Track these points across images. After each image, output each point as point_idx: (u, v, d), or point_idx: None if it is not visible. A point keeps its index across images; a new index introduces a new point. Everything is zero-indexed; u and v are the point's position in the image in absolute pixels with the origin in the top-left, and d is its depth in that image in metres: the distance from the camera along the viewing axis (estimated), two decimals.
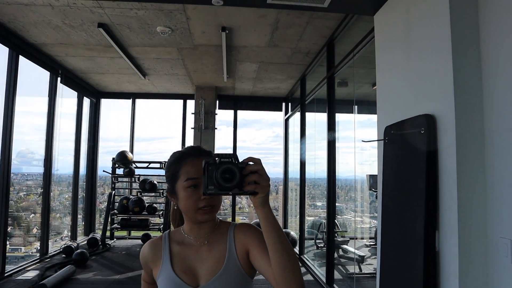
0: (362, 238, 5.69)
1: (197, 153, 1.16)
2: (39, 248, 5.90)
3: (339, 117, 4.79)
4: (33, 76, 5.92)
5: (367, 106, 4.68)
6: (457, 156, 1.74)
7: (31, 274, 4.86)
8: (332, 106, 4.69)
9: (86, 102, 7.69)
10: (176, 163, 1.16)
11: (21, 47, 4.92)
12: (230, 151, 8.00)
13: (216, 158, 0.94)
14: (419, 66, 2.13)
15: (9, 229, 5.83)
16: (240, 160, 0.96)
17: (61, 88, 6.26)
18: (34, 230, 6.38)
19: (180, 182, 1.13)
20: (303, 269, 5.62)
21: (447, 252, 1.79)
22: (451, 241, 1.76)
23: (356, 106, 4.47)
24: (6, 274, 4.70)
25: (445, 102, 1.83)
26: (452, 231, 1.75)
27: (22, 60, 5.01)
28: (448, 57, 1.82)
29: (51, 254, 5.94)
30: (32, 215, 6.54)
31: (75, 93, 7.18)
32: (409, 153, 2.09)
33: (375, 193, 4.65)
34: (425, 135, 1.92)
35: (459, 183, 1.73)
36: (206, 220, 1.14)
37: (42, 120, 5.98)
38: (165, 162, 7.49)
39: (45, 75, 5.92)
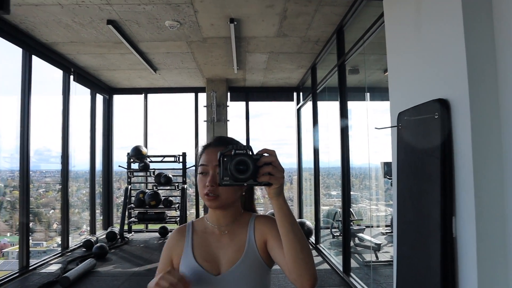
0: (378, 226, 5.67)
1: (216, 143, 1.22)
2: (60, 242, 6.05)
3: (351, 104, 4.75)
4: (46, 75, 6.01)
5: (379, 92, 4.63)
6: (473, 140, 1.71)
7: (54, 268, 5.00)
8: (344, 94, 4.65)
9: (99, 98, 7.78)
10: (200, 152, 1.23)
11: (34, 47, 4.99)
12: (244, 143, 8.02)
13: (232, 150, 0.95)
14: (431, 50, 2.09)
15: (30, 225, 6.00)
16: (255, 151, 0.97)
17: (74, 85, 6.34)
18: (54, 225, 6.54)
19: (198, 168, 1.20)
20: (319, 258, 5.64)
21: (464, 237, 1.77)
22: (468, 226, 1.74)
23: (368, 93, 4.43)
24: (30, 268, 4.84)
25: (459, 86, 1.80)
26: (469, 216, 1.73)
27: (35, 59, 5.09)
28: (460, 39, 1.78)
29: (71, 248, 6.09)
30: (52, 211, 6.70)
31: (88, 90, 7.26)
32: (423, 139, 2.06)
33: (390, 180, 4.62)
34: (439, 120, 1.89)
35: (475, 167, 1.70)
36: (210, 207, 1.18)
37: (57, 118, 6.09)
38: (179, 155, 7.56)
39: (58, 73, 6.01)
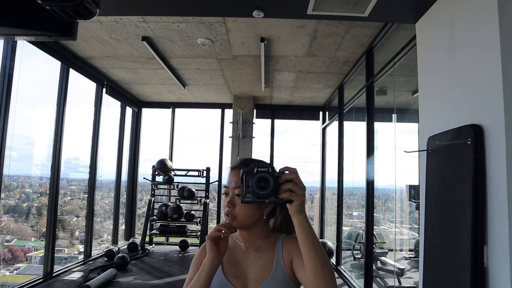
0: (401, 250, 5.52)
1: (240, 165, 1.24)
2: (82, 250, 6.16)
3: (378, 125, 4.72)
4: (81, 87, 6.25)
5: (407, 114, 4.58)
6: (508, 167, 1.68)
7: (76, 276, 5.08)
8: (371, 114, 4.63)
9: (129, 111, 8.00)
10: (228, 173, 1.26)
11: (72, 60, 5.23)
12: (267, 160, 8.02)
13: (255, 168, 0.99)
14: (465, 73, 2.07)
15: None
16: (278, 169, 1.01)
17: (106, 98, 6.56)
18: (77, 233, 6.68)
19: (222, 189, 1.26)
20: (340, 281, 5.53)
21: (496, 268, 1.72)
22: (501, 256, 1.69)
23: (395, 115, 4.39)
24: (54, 274, 4.95)
25: (494, 111, 1.78)
26: (502, 246, 1.68)
27: (72, 72, 5.32)
28: (497, 63, 1.76)
29: (93, 257, 6.19)
30: (75, 218, 6.86)
31: (118, 103, 7.49)
32: (455, 164, 2.03)
33: (415, 203, 4.53)
34: (472, 146, 1.87)
35: (509, 195, 1.66)
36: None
37: (88, 128, 6.29)
38: (203, 170, 7.64)
39: (91, 86, 6.25)
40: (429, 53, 2.59)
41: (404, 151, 2.74)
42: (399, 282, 4.60)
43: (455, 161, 2.03)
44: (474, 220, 1.81)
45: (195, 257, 1.28)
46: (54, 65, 5.03)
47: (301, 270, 1.10)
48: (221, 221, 8.11)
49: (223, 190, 1.22)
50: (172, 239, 8.05)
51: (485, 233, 1.80)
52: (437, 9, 2.45)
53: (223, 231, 1.12)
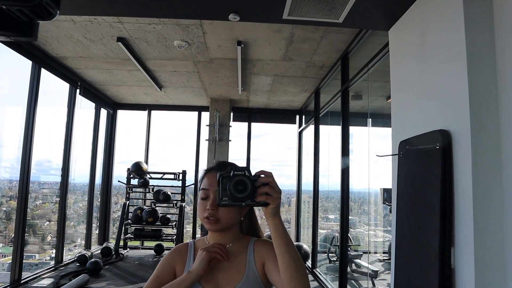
0: (375, 253, 5.62)
1: (217, 167, 1.23)
2: (53, 256, 5.99)
3: (353, 129, 4.80)
4: (53, 88, 6.09)
5: (382, 119, 4.68)
6: (473, 172, 1.74)
7: (46, 282, 4.92)
8: (346, 119, 4.71)
9: (103, 113, 7.85)
10: (202, 176, 1.26)
11: (44, 60, 5.08)
12: (244, 163, 8.04)
13: (231, 172, 0.99)
14: (434, 81, 2.14)
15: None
16: (253, 173, 1.01)
17: (80, 99, 6.42)
18: (49, 238, 6.49)
19: (199, 192, 1.23)
20: (315, 283, 5.57)
21: (463, 269, 1.78)
22: (467, 258, 1.74)
23: (370, 119, 4.48)
24: (22, 281, 4.78)
25: (461, 117, 1.84)
26: (468, 248, 1.73)
27: (44, 72, 5.17)
28: (463, 71, 1.83)
29: (65, 262, 6.02)
30: (47, 223, 6.66)
31: (92, 104, 7.33)
32: (424, 168, 2.09)
33: (389, 207, 4.62)
34: (440, 151, 1.93)
35: (475, 199, 1.72)
36: (210, 230, 1.22)
37: (61, 130, 6.13)
38: (179, 173, 7.57)
39: (65, 87, 6.09)
40: (401, 60, 2.65)
41: (377, 155, 2.80)
42: (373, 284, 4.68)
43: (425, 165, 2.08)
44: (442, 223, 1.87)
45: (166, 257, 1.27)
46: (25, 64, 4.89)
47: (274, 273, 1.11)
48: (197, 225, 8.06)
49: (201, 193, 1.20)
50: (147, 243, 7.93)
51: (452, 236, 1.86)
52: (408, 17, 2.52)
53: (220, 254, 1.15)
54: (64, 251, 6.15)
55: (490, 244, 1.70)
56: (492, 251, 1.69)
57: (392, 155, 2.61)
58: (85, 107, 6.89)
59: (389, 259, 4.96)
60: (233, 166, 1.04)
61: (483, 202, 1.72)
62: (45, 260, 6.24)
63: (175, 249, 1.28)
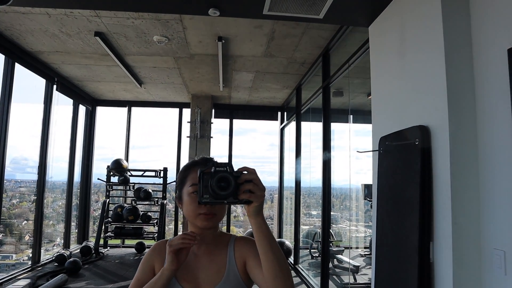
0: (357, 248, 5.68)
1: (205, 163, 1.21)
2: (30, 256, 5.83)
3: (335, 126, 4.82)
4: (28, 83, 5.91)
5: (362, 115, 4.71)
6: (451, 167, 1.76)
7: (22, 283, 4.79)
8: (328, 115, 4.73)
9: (82, 109, 7.68)
10: (186, 170, 1.21)
11: (17, 54, 4.92)
12: (226, 160, 8.00)
13: (212, 168, 0.95)
14: (413, 77, 2.16)
15: (0, 236, 5.78)
16: (235, 169, 0.97)
17: (57, 95, 6.25)
18: (26, 238, 6.32)
19: (185, 188, 1.18)
20: (297, 279, 5.60)
21: (441, 263, 1.80)
22: (445, 252, 1.77)
23: (351, 116, 4.50)
24: None
25: (439, 113, 1.86)
26: (446, 242, 1.76)
27: (18, 67, 5.01)
28: (441, 67, 1.85)
29: (43, 262, 5.87)
30: (25, 222, 6.48)
31: (70, 101, 7.16)
32: (404, 164, 2.10)
33: (370, 202, 4.67)
34: (420, 146, 1.94)
35: (453, 194, 1.75)
36: (204, 227, 1.16)
37: (37, 127, 5.96)
38: (160, 170, 7.47)
39: (41, 82, 5.92)
40: (381, 56, 2.67)
41: (357, 151, 2.81)
42: (355, 279, 4.73)
43: (404, 161, 2.10)
44: (421, 218, 1.88)
45: (145, 258, 1.23)
46: None
47: (257, 271, 1.09)
48: (179, 222, 7.99)
49: (192, 189, 1.15)
50: (128, 242, 7.82)
51: (431, 230, 1.88)
52: (388, 13, 2.53)
53: (187, 242, 1.07)
54: (42, 250, 6.00)
55: (467, 238, 1.72)
56: (469, 245, 1.72)
57: (372, 151, 2.63)
58: (62, 104, 6.73)
59: (370, 254, 5.02)
60: (214, 162, 1.00)
61: (461, 196, 1.75)
62: (23, 260, 6.08)
63: (153, 247, 1.25)
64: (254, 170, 0.97)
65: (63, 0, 2.84)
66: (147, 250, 7.46)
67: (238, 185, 0.94)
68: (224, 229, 7.64)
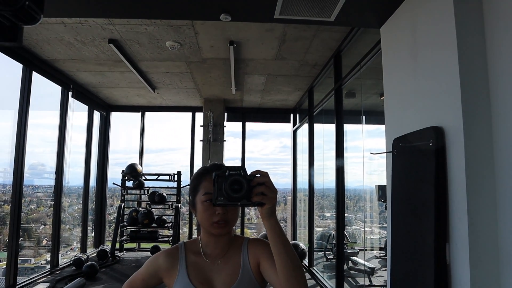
0: (372, 250, 5.64)
1: (217, 170, 1.20)
2: (49, 259, 5.94)
3: (347, 127, 4.81)
4: (45, 91, 6.04)
5: (375, 116, 4.69)
6: (466, 168, 1.75)
7: (41, 287, 4.89)
8: (340, 116, 4.72)
9: (96, 115, 7.80)
10: (198, 178, 1.23)
11: (34, 63, 5.04)
12: (239, 163, 8.04)
13: (226, 171, 0.98)
14: (427, 78, 2.15)
15: (19, 241, 5.90)
16: (248, 172, 1.00)
17: (72, 102, 6.37)
18: (44, 242, 6.45)
19: (199, 196, 1.20)
20: (312, 282, 5.59)
21: (458, 264, 1.78)
22: (462, 253, 1.75)
23: (364, 117, 4.49)
24: (17, 286, 4.74)
25: (453, 114, 1.85)
26: (463, 243, 1.74)
27: (35, 75, 5.13)
28: (455, 68, 1.84)
29: (61, 266, 5.98)
30: (42, 226, 6.61)
31: (85, 107, 7.29)
32: (418, 165, 2.09)
33: (384, 203, 4.63)
34: (434, 147, 1.93)
35: (468, 195, 1.73)
36: (219, 234, 1.19)
37: (54, 133, 6.09)
38: (174, 174, 7.54)
39: (57, 89, 6.05)
40: (393, 57, 2.66)
41: (371, 153, 2.80)
42: (370, 281, 4.69)
43: (418, 162, 2.09)
44: (437, 219, 1.87)
45: (155, 261, 1.26)
46: (15, 67, 4.84)
47: (271, 272, 1.11)
48: (193, 226, 8.04)
49: (205, 197, 1.17)
50: (143, 245, 7.91)
51: (447, 231, 1.87)
52: (399, 14, 2.53)
53: None
54: (60, 254, 6.11)
55: (484, 239, 1.71)
56: (487, 246, 1.70)
57: (386, 152, 2.62)
58: (78, 110, 6.85)
59: (386, 256, 4.98)
60: (228, 166, 1.04)
61: (477, 197, 1.73)
62: (41, 264, 6.20)
63: (162, 258, 1.25)
64: (266, 173, 1.00)
65: (78, 9, 2.91)
66: (159, 253, 7.45)
67: (251, 187, 0.97)
68: (238, 231, 7.67)
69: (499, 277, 1.67)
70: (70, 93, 6.25)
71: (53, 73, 5.59)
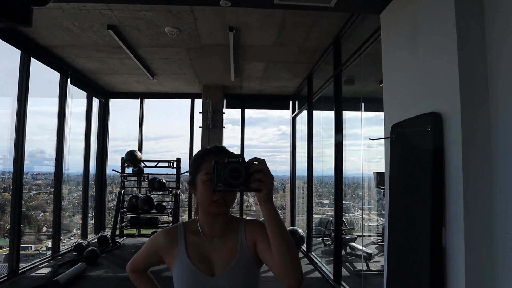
0: (369, 236, 5.70)
1: (218, 151, 1.26)
2: (50, 246, 6.00)
3: (346, 114, 4.82)
4: (44, 77, 6.02)
5: (374, 103, 4.70)
6: (463, 153, 1.77)
7: (44, 271, 4.96)
8: (339, 103, 4.72)
9: (95, 102, 7.79)
10: (200, 158, 1.26)
11: (32, 49, 5.01)
12: (238, 150, 8.06)
13: (225, 159, 1.03)
14: (425, 64, 2.15)
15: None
16: (247, 159, 1.06)
17: (71, 88, 6.36)
18: (44, 229, 6.50)
19: (200, 176, 1.23)
20: (310, 267, 5.66)
21: (453, 248, 1.82)
22: (457, 237, 1.78)
23: (363, 104, 4.49)
24: (20, 271, 4.80)
25: (451, 100, 1.86)
26: (458, 227, 1.77)
27: (33, 62, 5.10)
28: (453, 54, 1.84)
29: (62, 252, 6.05)
30: (42, 213, 6.66)
31: (84, 94, 7.27)
32: (416, 150, 2.12)
33: (382, 190, 4.67)
34: (432, 133, 1.95)
35: (465, 180, 1.76)
36: (218, 213, 1.24)
37: (53, 121, 6.09)
38: (173, 161, 7.57)
39: (55, 76, 6.02)
40: (392, 44, 2.66)
41: (369, 139, 2.82)
42: (367, 266, 4.76)
43: (416, 147, 2.11)
44: (433, 204, 1.90)
45: (156, 240, 1.30)
46: (13, 54, 4.81)
47: (267, 253, 1.16)
48: (193, 212, 8.11)
49: (207, 177, 1.20)
50: (143, 231, 7.99)
51: (444, 216, 1.90)
52: (399, 1, 2.52)
53: None
54: (61, 241, 6.17)
55: (479, 224, 1.74)
56: (482, 230, 1.73)
57: (384, 138, 2.64)
58: (77, 97, 6.84)
59: (383, 241, 5.04)
60: (227, 153, 1.09)
61: (473, 182, 1.76)
62: (42, 250, 6.26)
63: (161, 238, 1.29)
64: (263, 160, 1.05)
65: None
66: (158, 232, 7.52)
67: (249, 174, 1.03)
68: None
69: (493, 260, 1.71)
70: (69, 80, 6.23)
71: (51, 59, 5.57)
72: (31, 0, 1.06)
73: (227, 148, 1.31)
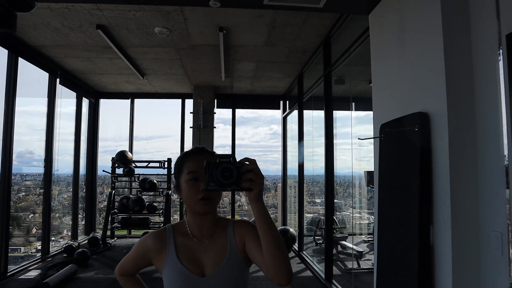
0: (360, 234, 5.74)
1: (199, 152, 1.29)
2: (39, 248, 5.94)
3: (337, 114, 4.84)
4: (32, 77, 5.95)
5: (364, 102, 4.73)
6: (450, 152, 1.80)
7: (33, 274, 4.91)
8: (330, 103, 4.75)
9: (85, 102, 7.73)
10: (181, 160, 1.28)
11: (20, 49, 4.96)
12: (229, 149, 8.07)
13: (217, 159, 1.05)
14: (413, 65, 2.18)
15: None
16: (237, 160, 1.07)
17: (60, 89, 6.30)
18: (34, 230, 6.43)
19: (183, 176, 1.24)
20: (302, 266, 5.69)
21: (441, 245, 1.85)
22: (444, 235, 1.81)
23: (353, 103, 4.52)
24: (8, 274, 4.75)
25: (438, 100, 1.89)
26: (445, 225, 1.80)
27: (21, 61, 5.05)
28: (440, 55, 1.87)
29: (52, 254, 5.99)
30: (32, 215, 6.59)
31: (74, 94, 7.21)
32: (404, 150, 2.14)
33: (373, 189, 4.71)
34: (419, 132, 1.98)
35: (452, 178, 1.79)
36: (204, 212, 1.24)
37: (42, 121, 6.02)
38: (164, 161, 7.54)
39: (44, 76, 5.96)
40: (381, 44, 2.69)
41: (358, 138, 2.85)
42: (358, 264, 4.80)
43: (404, 147, 2.14)
44: (421, 202, 1.93)
45: (144, 244, 1.29)
46: (0, 54, 4.75)
47: (256, 252, 1.18)
48: (184, 212, 8.09)
49: (189, 176, 1.21)
50: (134, 232, 7.94)
51: (431, 214, 1.93)
52: (388, 1, 2.54)
53: None
54: (50, 242, 6.11)
55: (466, 222, 1.77)
56: (468, 227, 1.77)
57: (373, 138, 2.66)
58: (66, 97, 6.77)
59: (374, 240, 5.07)
60: (214, 153, 1.11)
61: (459, 181, 1.79)
62: (31, 252, 6.19)
63: (150, 241, 1.28)
64: (254, 160, 1.07)
65: None
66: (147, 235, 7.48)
67: (240, 174, 1.05)
68: (229, 217, 7.72)
69: (479, 256, 1.74)
70: (58, 80, 6.17)
71: (40, 59, 5.51)
72: (14, 6, 1.06)
73: (218, 149, 1.32)
